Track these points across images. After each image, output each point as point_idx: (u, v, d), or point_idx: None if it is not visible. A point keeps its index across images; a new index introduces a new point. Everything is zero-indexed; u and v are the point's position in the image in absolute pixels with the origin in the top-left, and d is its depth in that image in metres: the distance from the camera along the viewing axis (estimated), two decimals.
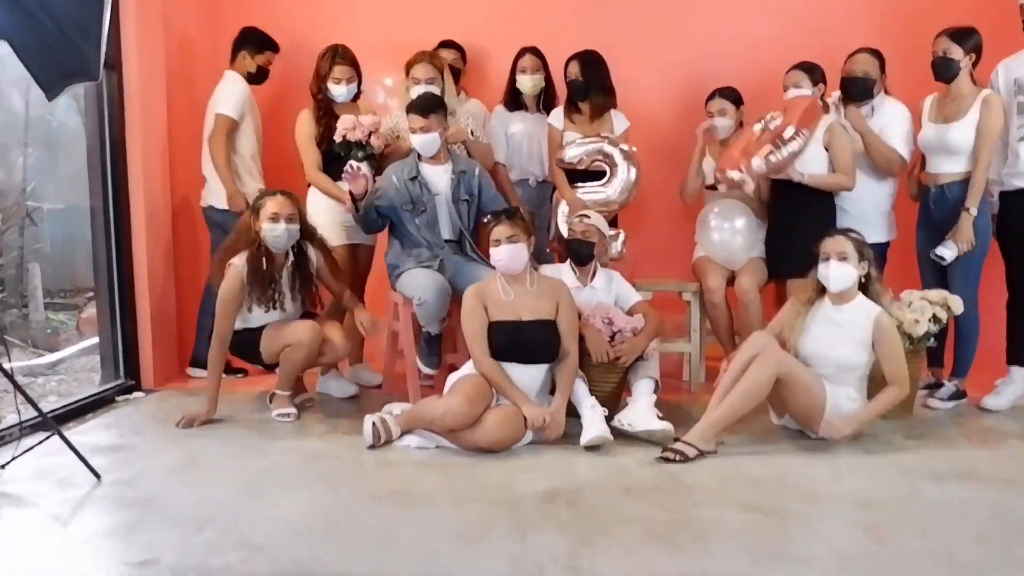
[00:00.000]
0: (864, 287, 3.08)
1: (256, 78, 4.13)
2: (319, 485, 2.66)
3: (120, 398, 3.77)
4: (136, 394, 3.85)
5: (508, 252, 3.15)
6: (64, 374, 5.04)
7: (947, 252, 3.41)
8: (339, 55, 3.80)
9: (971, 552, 2.19)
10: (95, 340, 4.51)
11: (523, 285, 3.20)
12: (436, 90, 3.72)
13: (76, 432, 3.24)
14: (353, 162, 3.59)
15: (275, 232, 3.34)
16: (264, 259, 3.34)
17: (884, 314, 3.04)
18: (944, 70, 3.46)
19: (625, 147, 3.86)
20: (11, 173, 6.24)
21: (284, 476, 2.76)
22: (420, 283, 3.42)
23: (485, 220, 3.31)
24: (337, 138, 3.69)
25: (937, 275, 3.56)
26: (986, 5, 3.91)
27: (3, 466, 2.69)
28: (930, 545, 2.22)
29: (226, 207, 3.97)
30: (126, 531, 2.33)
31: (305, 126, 3.82)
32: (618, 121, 4.00)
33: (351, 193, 3.45)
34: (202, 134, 4.10)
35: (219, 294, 3.33)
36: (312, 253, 3.51)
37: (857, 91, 3.67)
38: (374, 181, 3.60)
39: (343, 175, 3.46)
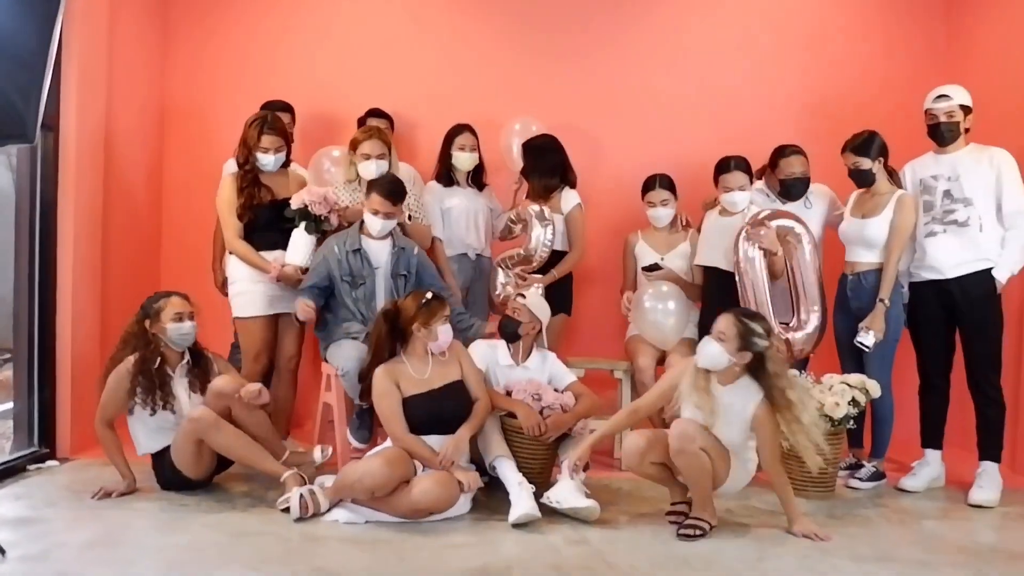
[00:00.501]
0: (755, 370, 2.98)
1: None
2: (242, 565, 2.58)
3: (32, 467, 3.62)
4: (50, 463, 3.70)
5: (446, 331, 3.21)
6: None
7: (868, 339, 3.58)
8: (268, 124, 3.77)
9: None
10: (8, 405, 4.34)
11: (435, 358, 3.26)
12: (386, 165, 3.81)
13: None
14: (309, 300, 3.53)
15: (182, 331, 3.29)
16: (159, 359, 3.27)
17: (763, 402, 2.95)
18: (861, 180, 3.73)
19: (537, 208, 3.98)
20: None
21: (207, 555, 2.66)
22: (344, 354, 3.43)
23: (429, 295, 3.32)
24: (295, 204, 3.66)
25: (855, 359, 3.71)
26: (897, 105, 4.24)
27: None
28: None
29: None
30: None
31: (226, 193, 3.77)
32: (567, 198, 4.12)
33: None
34: (138, 198, 4.08)
35: (107, 385, 3.25)
36: (211, 355, 3.45)
37: (797, 191, 3.94)
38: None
39: (298, 310, 3.47)
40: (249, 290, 3.75)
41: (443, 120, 4.29)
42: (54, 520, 2.94)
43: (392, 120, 4.42)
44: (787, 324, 3.70)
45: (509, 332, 3.52)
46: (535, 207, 4.00)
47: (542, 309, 3.59)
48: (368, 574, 2.53)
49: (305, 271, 3.66)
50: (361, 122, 4.35)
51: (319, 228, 3.70)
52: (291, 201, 3.68)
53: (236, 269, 3.82)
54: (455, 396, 3.21)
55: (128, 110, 4.39)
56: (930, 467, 3.69)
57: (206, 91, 4.79)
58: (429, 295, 3.27)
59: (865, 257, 3.70)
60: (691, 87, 4.77)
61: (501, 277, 4.02)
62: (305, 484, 3.10)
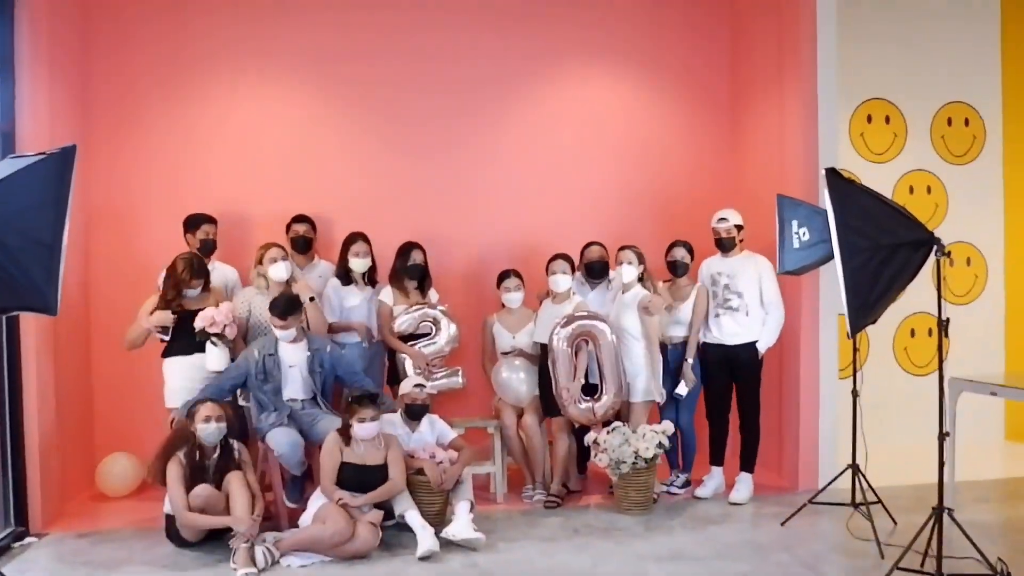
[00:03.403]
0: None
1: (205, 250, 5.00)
2: None
3: (16, 544, 4.36)
4: (29, 539, 4.45)
5: (370, 428, 4.28)
6: None
7: (684, 390, 4.96)
8: (196, 268, 4.70)
9: None
10: None
11: (371, 442, 4.33)
12: (287, 265, 4.79)
13: None
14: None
15: (208, 431, 4.20)
16: (198, 451, 4.20)
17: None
18: (682, 270, 5.14)
19: (444, 307, 5.11)
20: None
21: None
22: (277, 440, 4.43)
23: (350, 399, 4.35)
24: (197, 326, 4.57)
25: (671, 406, 5.11)
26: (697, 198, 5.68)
27: None
28: None
29: None
30: None
31: (148, 305, 4.69)
32: (433, 294, 5.25)
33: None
34: (72, 302, 4.93)
35: (169, 484, 4.13)
36: (236, 446, 4.36)
37: (597, 271, 5.29)
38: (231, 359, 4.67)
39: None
40: (177, 387, 4.65)
41: (349, 217, 5.40)
42: None
43: (314, 223, 5.36)
44: (592, 395, 4.94)
45: (418, 414, 4.64)
46: (441, 307, 5.09)
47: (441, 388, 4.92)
48: None
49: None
50: (288, 227, 5.28)
51: (223, 340, 4.62)
52: (195, 323, 4.58)
53: (169, 368, 4.72)
54: (379, 474, 4.30)
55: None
56: (715, 479, 5.16)
57: (129, 193, 5.53)
58: (349, 399, 4.32)
59: (678, 332, 5.10)
60: (533, 183, 6.00)
61: (412, 373, 4.97)
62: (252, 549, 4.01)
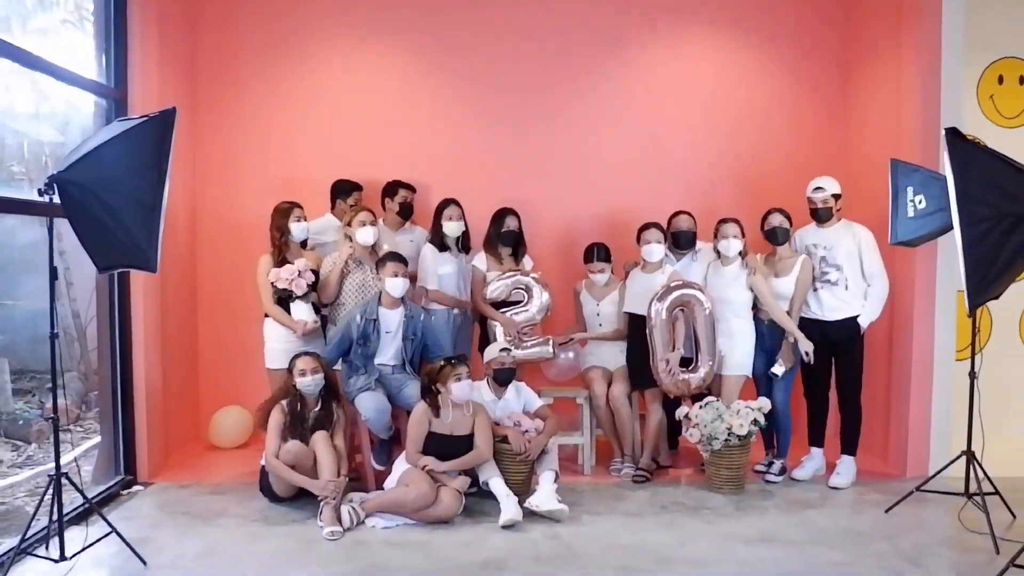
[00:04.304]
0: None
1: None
2: (316, 565, 3.64)
3: (124, 492, 4.61)
4: (136, 487, 4.69)
5: (465, 387, 4.28)
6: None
7: (779, 369, 4.72)
8: (293, 204, 4.86)
9: None
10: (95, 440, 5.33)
11: (460, 409, 4.31)
12: (375, 230, 4.83)
13: (103, 527, 4.06)
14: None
15: (305, 383, 4.33)
16: (299, 403, 4.33)
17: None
18: (782, 237, 4.82)
19: (536, 275, 5.05)
20: None
21: (289, 558, 3.71)
22: (365, 404, 4.48)
23: (443, 361, 4.37)
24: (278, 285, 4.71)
25: (766, 385, 4.86)
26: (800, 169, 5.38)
27: (71, 556, 3.51)
28: None
29: None
30: None
31: (263, 267, 4.79)
32: (528, 262, 5.19)
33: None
34: (182, 272, 5.07)
35: (268, 431, 4.29)
36: (335, 408, 4.44)
37: (685, 241, 5.09)
38: (318, 313, 4.78)
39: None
40: (276, 348, 4.78)
41: (442, 185, 5.41)
42: (166, 537, 3.95)
43: (414, 189, 5.38)
44: (687, 367, 4.78)
45: (506, 380, 4.60)
46: (534, 274, 5.04)
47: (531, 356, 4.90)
48: (407, 567, 3.60)
49: (316, 323, 4.73)
50: (393, 191, 5.32)
51: (296, 296, 4.68)
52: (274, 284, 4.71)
53: (268, 329, 4.84)
54: (464, 446, 4.28)
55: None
56: (814, 461, 4.91)
57: (231, 158, 5.72)
58: (441, 363, 4.32)
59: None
60: (631, 154, 5.83)
61: (501, 339, 4.92)
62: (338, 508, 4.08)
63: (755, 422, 4.55)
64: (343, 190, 5.30)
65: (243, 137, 5.74)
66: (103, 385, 4.80)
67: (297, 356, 4.42)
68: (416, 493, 4.04)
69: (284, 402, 4.36)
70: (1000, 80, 5.97)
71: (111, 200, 3.45)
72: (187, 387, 5.58)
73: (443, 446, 4.24)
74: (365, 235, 4.82)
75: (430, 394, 4.32)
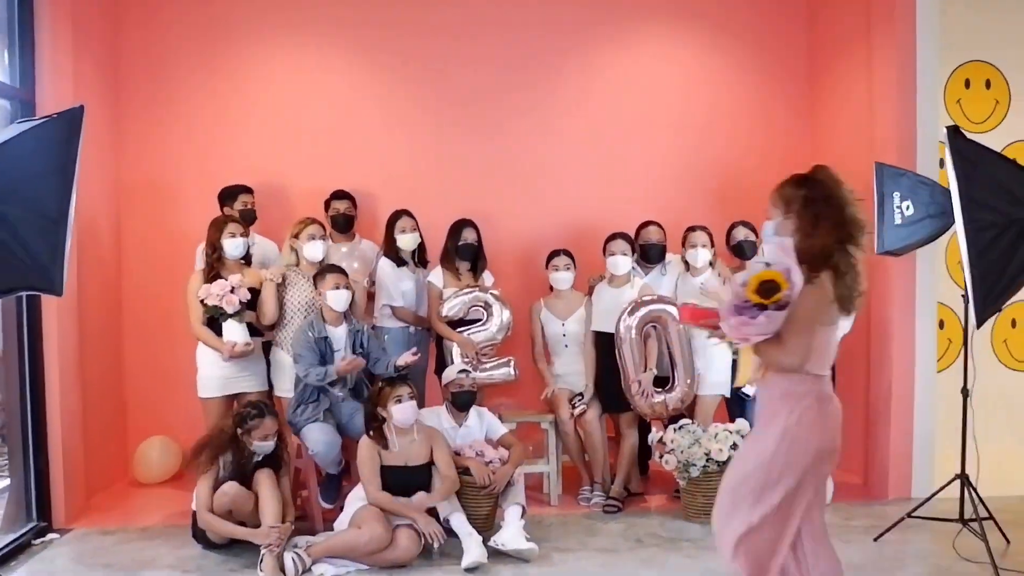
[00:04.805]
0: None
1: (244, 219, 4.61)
2: None
3: (37, 542, 4.08)
4: (50, 535, 4.16)
5: (407, 410, 3.86)
6: None
7: (751, 389, 4.41)
8: (229, 219, 4.42)
9: None
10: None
11: (409, 435, 3.90)
12: (324, 245, 4.42)
13: None
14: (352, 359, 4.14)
15: (266, 448, 3.87)
16: (243, 452, 3.86)
17: None
18: (749, 251, 4.58)
19: (496, 292, 4.67)
20: None
21: None
22: (313, 437, 4.05)
23: (381, 382, 3.98)
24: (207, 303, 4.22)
25: (739, 405, 4.56)
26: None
27: None
28: None
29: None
30: None
31: (192, 286, 4.31)
32: (487, 277, 4.81)
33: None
34: (104, 275, 4.78)
35: (198, 488, 3.81)
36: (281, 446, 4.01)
37: (653, 255, 4.76)
38: (257, 335, 4.33)
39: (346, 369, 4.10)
40: (210, 375, 4.30)
41: (394, 194, 5.00)
42: None
43: (355, 200, 4.95)
44: (663, 387, 4.47)
45: (465, 403, 4.21)
46: (494, 291, 4.66)
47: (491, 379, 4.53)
48: None
49: (247, 344, 4.24)
50: (327, 204, 4.89)
51: (228, 314, 4.19)
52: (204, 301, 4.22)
53: (201, 355, 4.37)
54: (424, 476, 3.89)
55: (90, 192, 4.67)
56: None
57: (162, 166, 5.23)
58: (380, 383, 3.92)
59: None
60: (595, 161, 5.51)
61: (458, 360, 4.51)
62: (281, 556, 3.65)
63: (734, 446, 4.24)
64: (230, 195, 4.75)
65: (175, 144, 5.26)
66: (11, 420, 4.26)
67: (254, 415, 3.88)
68: (370, 535, 3.62)
69: (223, 461, 3.86)
70: (967, 84, 5.81)
71: (7, 211, 3.00)
72: (112, 419, 5.07)
73: (400, 479, 3.83)
74: (313, 250, 4.41)
75: (375, 423, 3.91)
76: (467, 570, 3.66)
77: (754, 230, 4.56)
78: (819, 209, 2.42)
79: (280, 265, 4.47)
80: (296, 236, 4.46)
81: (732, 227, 4.59)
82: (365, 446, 3.87)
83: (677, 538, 4.09)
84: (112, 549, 3.97)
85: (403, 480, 3.84)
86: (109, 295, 5.09)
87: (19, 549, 3.98)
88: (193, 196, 5.13)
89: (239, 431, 3.86)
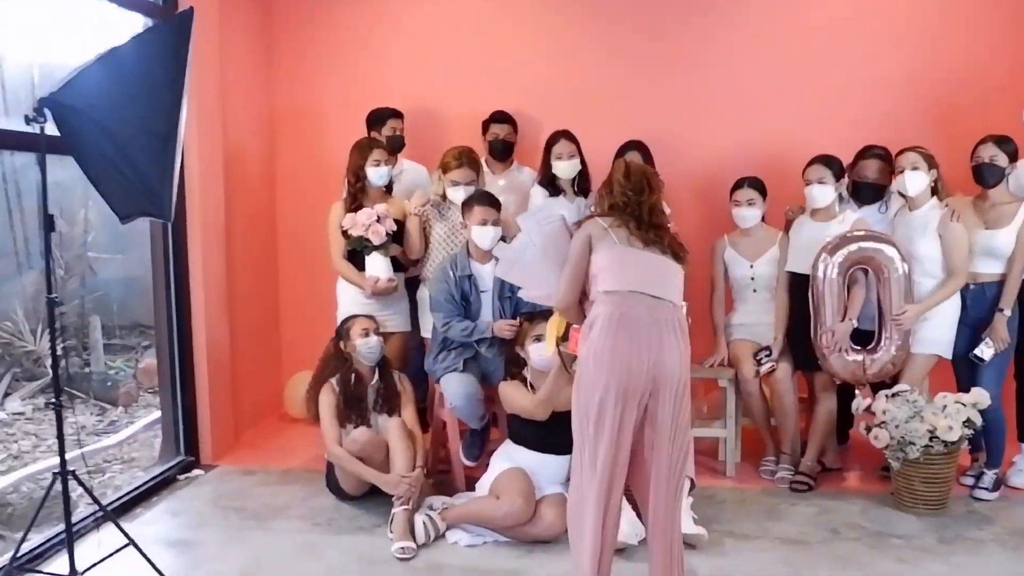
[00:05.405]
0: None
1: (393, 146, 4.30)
2: None
3: (181, 477, 3.99)
4: (196, 471, 4.06)
5: (536, 350, 3.30)
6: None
7: (987, 352, 3.50)
8: (374, 143, 4.03)
9: None
10: (155, 416, 4.80)
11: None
12: (473, 190, 3.88)
13: (143, 522, 3.47)
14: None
15: (369, 344, 3.57)
16: (352, 378, 3.58)
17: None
18: (991, 176, 3.56)
19: (670, 227, 3.96)
20: (72, 225, 6.52)
21: None
22: (451, 389, 3.61)
23: (520, 319, 3.49)
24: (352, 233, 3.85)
25: (969, 370, 3.63)
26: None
27: (82, 572, 2.88)
28: None
29: None
30: None
31: (334, 216, 3.97)
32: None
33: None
34: (256, 205, 4.51)
35: (321, 417, 3.55)
36: (397, 374, 3.71)
37: (865, 195, 3.86)
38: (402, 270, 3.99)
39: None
40: (349, 313, 3.88)
41: (557, 117, 4.38)
42: (209, 543, 3.27)
43: (515, 123, 4.46)
44: (864, 346, 3.63)
45: None
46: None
47: None
48: None
49: (390, 280, 3.87)
50: (485, 127, 4.43)
51: (374, 246, 3.81)
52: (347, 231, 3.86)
53: (342, 292, 4.05)
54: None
55: (240, 121, 4.57)
56: None
57: (313, 94, 4.94)
58: (518, 321, 3.45)
59: (989, 268, 3.59)
60: (794, 75, 4.58)
61: None
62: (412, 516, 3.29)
63: (968, 423, 3.36)
64: (378, 119, 4.37)
65: (324, 72, 4.92)
66: (159, 354, 4.17)
67: (349, 319, 3.64)
68: (508, 508, 3.15)
69: (334, 380, 3.60)
70: None
71: (116, 128, 2.71)
72: (267, 353, 4.93)
73: (542, 431, 3.30)
74: (457, 196, 3.90)
75: (515, 367, 3.41)
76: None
77: (1008, 150, 3.55)
78: None
79: (424, 193, 4.02)
80: (443, 168, 3.99)
81: (978, 145, 3.60)
82: (508, 390, 3.38)
83: (884, 532, 3.31)
84: (249, 492, 3.79)
85: (546, 433, 3.29)
86: (262, 226, 4.90)
87: (164, 483, 3.89)
88: (344, 124, 4.74)
89: (340, 344, 3.60)
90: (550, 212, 2.90)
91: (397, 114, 4.42)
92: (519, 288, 3.08)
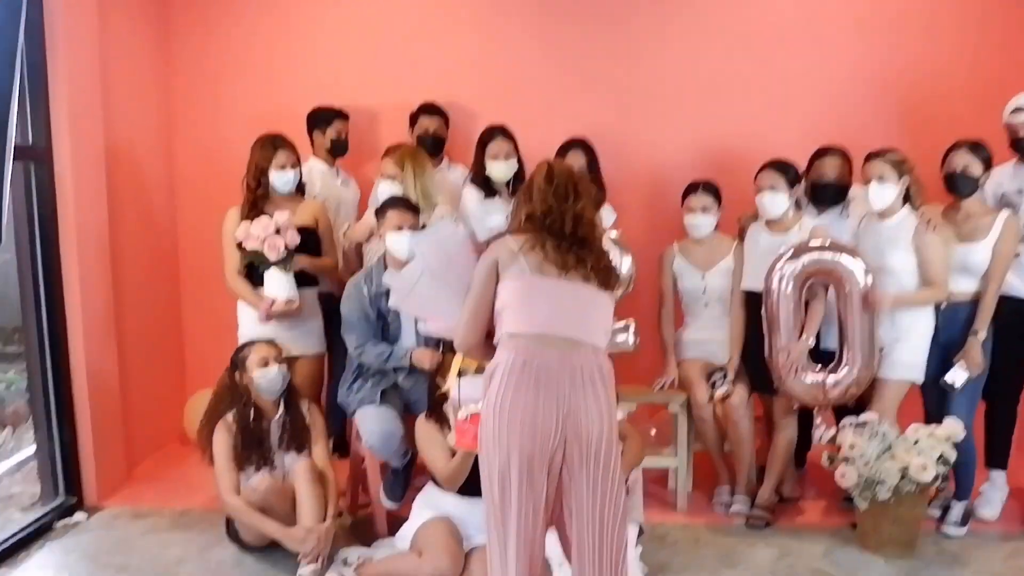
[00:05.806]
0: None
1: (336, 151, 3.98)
2: None
3: (59, 523, 3.46)
4: (77, 516, 3.54)
5: (471, 383, 2.84)
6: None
7: (959, 378, 3.21)
8: (279, 142, 3.54)
9: None
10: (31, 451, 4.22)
11: None
12: (397, 188, 3.50)
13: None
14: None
15: (269, 376, 3.11)
16: (252, 413, 3.11)
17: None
18: (965, 187, 3.25)
19: (616, 233, 3.60)
20: None
21: None
22: (367, 427, 3.17)
23: (442, 347, 3.08)
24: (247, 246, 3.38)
25: (939, 396, 3.33)
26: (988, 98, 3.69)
27: None
28: None
29: None
30: None
31: (229, 224, 3.50)
32: (606, 214, 3.73)
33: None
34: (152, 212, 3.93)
35: (215, 460, 3.09)
36: (305, 405, 3.28)
37: (823, 197, 3.55)
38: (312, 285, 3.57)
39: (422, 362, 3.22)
40: (249, 335, 3.44)
41: (490, 111, 4.03)
42: None
43: (447, 116, 4.07)
44: (825, 365, 3.31)
45: None
46: (613, 232, 3.58)
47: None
48: None
49: (289, 302, 3.41)
50: (412, 120, 4.04)
51: (275, 262, 3.36)
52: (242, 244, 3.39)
53: (241, 314, 3.59)
54: None
55: (129, 122, 4.07)
56: (998, 490, 3.49)
57: (219, 87, 4.41)
58: (442, 348, 3.05)
59: (962, 286, 3.27)
60: (753, 68, 4.21)
61: None
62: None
63: (942, 459, 3.06)
64: (323, 119, 3.97)
65: (229, 67, 4.39)
66: (31, 380, 3.61)
67: (246, 346, 3.19)
68: (431, 570, 2.72)
69: (230, 416, 3.13)
70: None
71: None
72: (167, 372, 4.41)
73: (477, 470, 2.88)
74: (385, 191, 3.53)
75: (437, 402, 2.96)
76: None
77: (982, 157, 3.24)
78: None
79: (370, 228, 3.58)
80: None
81: (949, 152, 3.28)
82: (423, 427, 2.95)
83: None
84: (136, 543, 3.28)
85: (471, 473, 2.86)
86: (160, 234, 4.38)
87: (40, 532, 3.37)
88: (253, 122, 4.15)
89: (234, 373, 3.14)
90: (454, 229, 2.58)
91: (343, 115, 4.01)
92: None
